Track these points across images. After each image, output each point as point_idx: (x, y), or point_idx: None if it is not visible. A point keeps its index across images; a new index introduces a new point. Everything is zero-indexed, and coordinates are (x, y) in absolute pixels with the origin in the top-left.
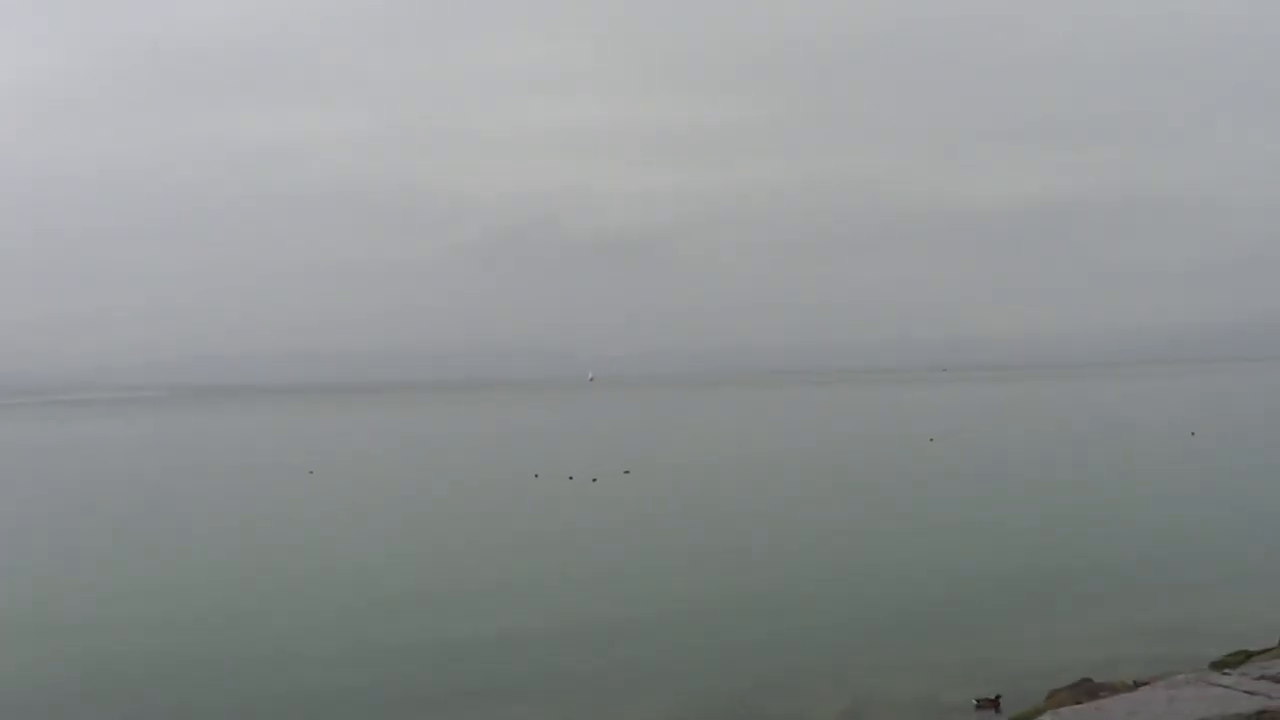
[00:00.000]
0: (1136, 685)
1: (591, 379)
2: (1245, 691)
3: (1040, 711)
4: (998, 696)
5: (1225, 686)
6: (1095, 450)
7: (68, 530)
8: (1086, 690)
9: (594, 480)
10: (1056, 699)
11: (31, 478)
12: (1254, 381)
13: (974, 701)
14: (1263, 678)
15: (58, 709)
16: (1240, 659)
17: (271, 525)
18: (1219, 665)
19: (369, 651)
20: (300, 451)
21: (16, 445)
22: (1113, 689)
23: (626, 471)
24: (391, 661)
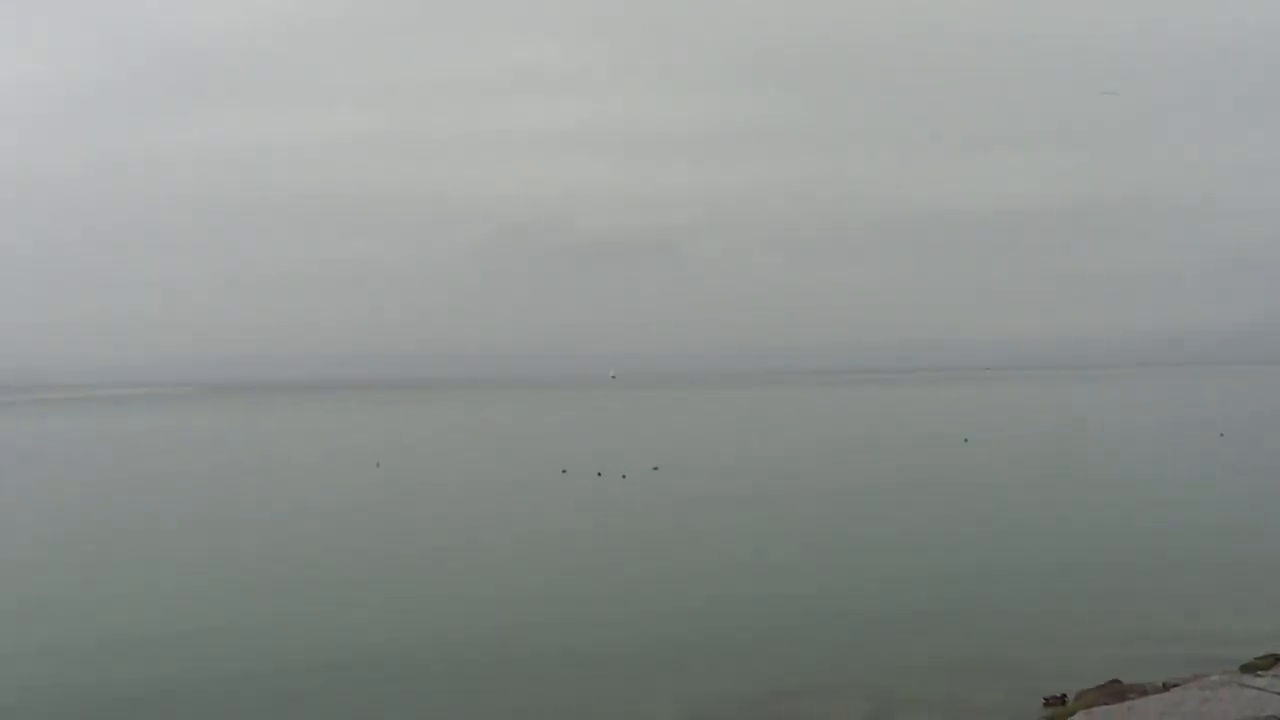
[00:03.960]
0: (1167, 687)
1: (613, 377)
2: (1278, 693)
3: (1071, 713)
4: (1064, 695)
5: (1258, 689)
6: (1126, 450)
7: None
8: (1115, 691)
9: (623, 477)
10: (1086, 699)
11: (73, 471)
12: (1263, 385)
13: (1042, 700)
14: None
15: None
16: (1269, 662)
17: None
18: (1250, 668)
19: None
20: (354, 445)
21: (60, 438)
22: (1142, 690)
23: (655, 468)
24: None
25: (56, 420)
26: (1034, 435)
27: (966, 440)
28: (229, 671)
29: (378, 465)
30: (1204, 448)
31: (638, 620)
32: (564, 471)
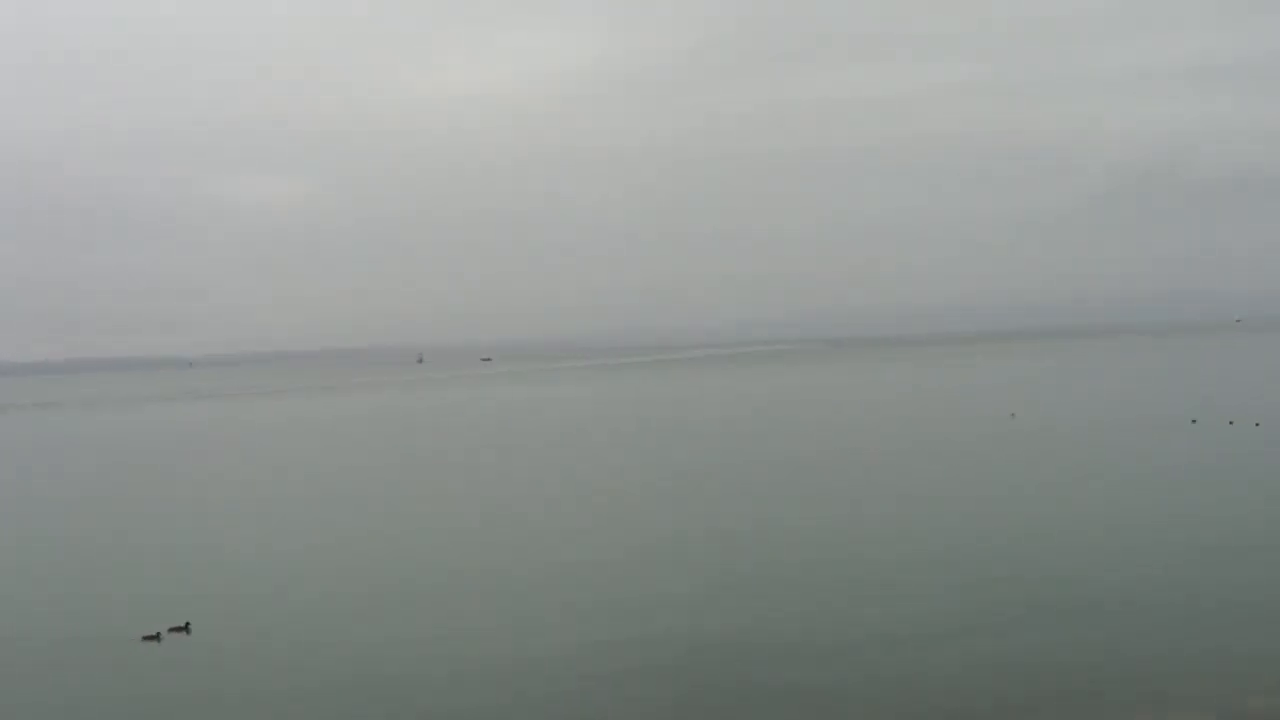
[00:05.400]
0: None
1: (1238, 321)
2: None
3: None
4: None
5: None
6: None
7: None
8: None
9: (1256, 425)
10: None
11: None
12: None
13: None
14: None
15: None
16: None
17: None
18: None
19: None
20: (986, 396)
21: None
22: None
23: None
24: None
25: (659, 379)
26: None
27: None
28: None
29: (1012, 416)
30: None
31: None
32: (1194, 421)
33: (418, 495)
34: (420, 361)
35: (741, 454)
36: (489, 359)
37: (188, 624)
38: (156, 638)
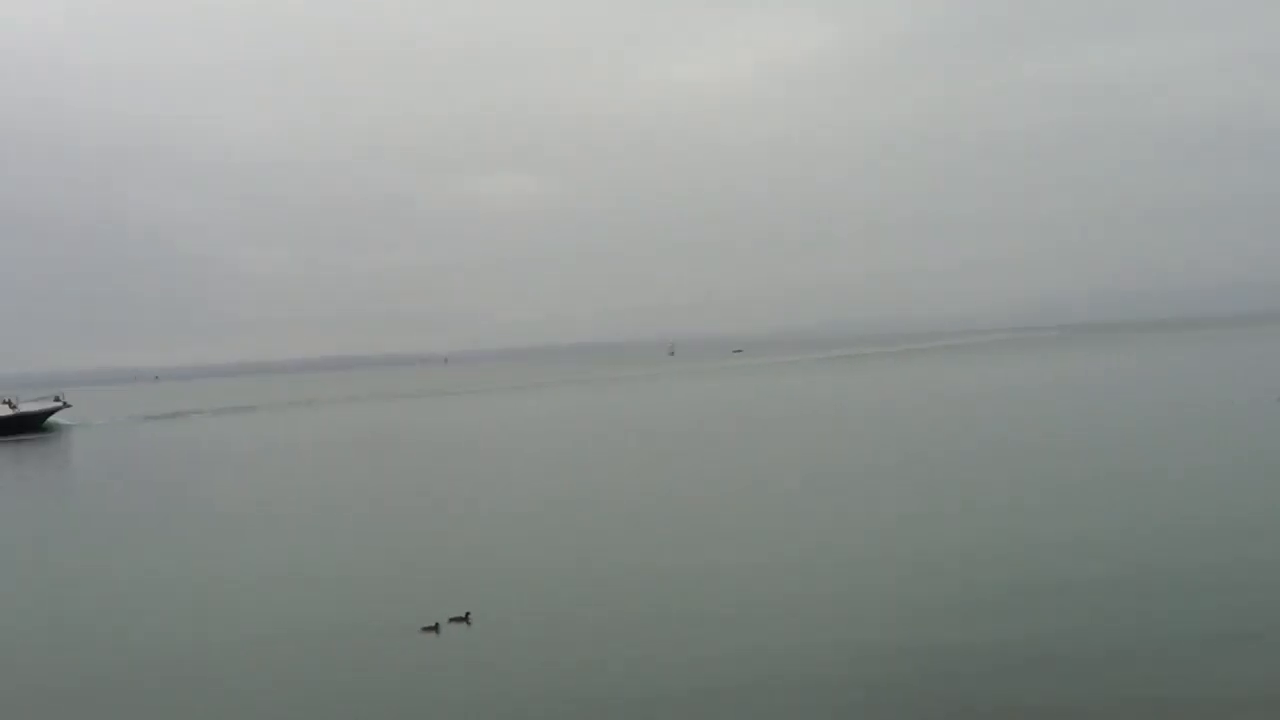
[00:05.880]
0: None
1: None
2: None
3: None
4: None
5: None
6: None
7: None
8: None
9: None
10: None
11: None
12: None
13: None
14: None
15: None
16: None
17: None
18: None
19: None
20: (1250, 379)
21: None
22: None
23: None
24: None
25: (921, 369)
26: None
27: None
28: None
29: (1278, 400)
30: None
31: None
32: None
33: (691, 484)
34: (672, 354)
35: (1003, 442)
36: (740, 350)
37: (468, 614)
38: (435, 629)
